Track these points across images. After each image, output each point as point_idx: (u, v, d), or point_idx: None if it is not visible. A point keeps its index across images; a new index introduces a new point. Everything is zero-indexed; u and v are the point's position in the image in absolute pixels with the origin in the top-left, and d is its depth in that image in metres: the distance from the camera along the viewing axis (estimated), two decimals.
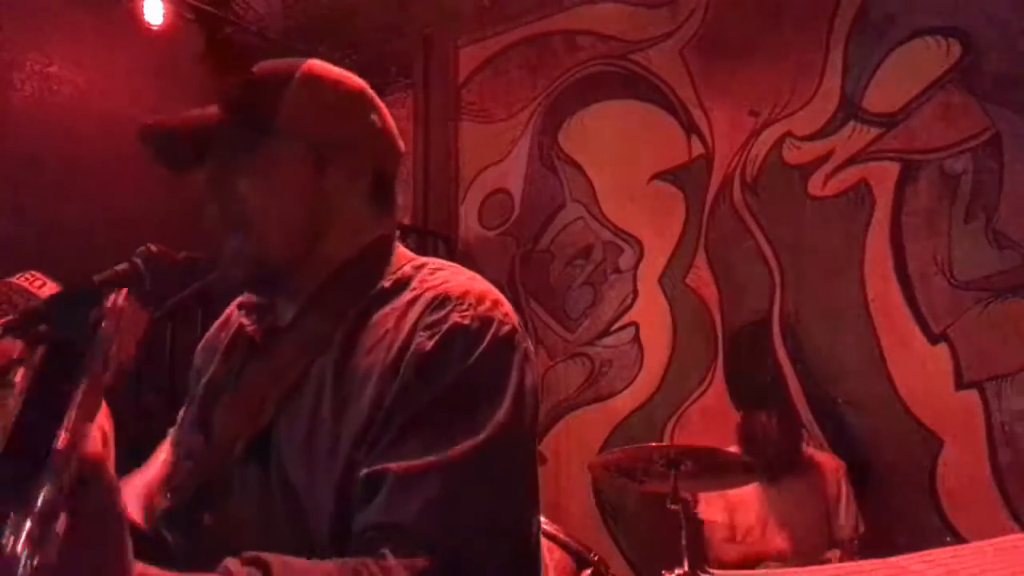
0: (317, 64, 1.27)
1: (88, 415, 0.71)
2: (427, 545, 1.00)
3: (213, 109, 1.21)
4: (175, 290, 4.07)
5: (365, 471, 1.06)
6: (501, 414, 1.08)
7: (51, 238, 4.52)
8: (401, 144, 1.32)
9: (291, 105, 1.20)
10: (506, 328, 1.13)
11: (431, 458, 1.04)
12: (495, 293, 1.18)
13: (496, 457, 1.07)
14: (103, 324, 0.75)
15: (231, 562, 0.92)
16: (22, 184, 4.75)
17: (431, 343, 1.10)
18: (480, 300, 1.14)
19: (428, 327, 1.11)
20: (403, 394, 1.08)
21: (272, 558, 0.94)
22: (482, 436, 1.06)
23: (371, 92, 1.29)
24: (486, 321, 1.12)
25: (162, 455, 1.42)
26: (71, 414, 0.68)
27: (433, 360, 1.09)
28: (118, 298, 0.77)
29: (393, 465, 1.04)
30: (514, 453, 1.11)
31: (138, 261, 1.19)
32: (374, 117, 1.27)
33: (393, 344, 1.12)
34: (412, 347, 1.10)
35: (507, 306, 1.17)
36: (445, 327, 1.11)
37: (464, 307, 1.12)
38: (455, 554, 1.01)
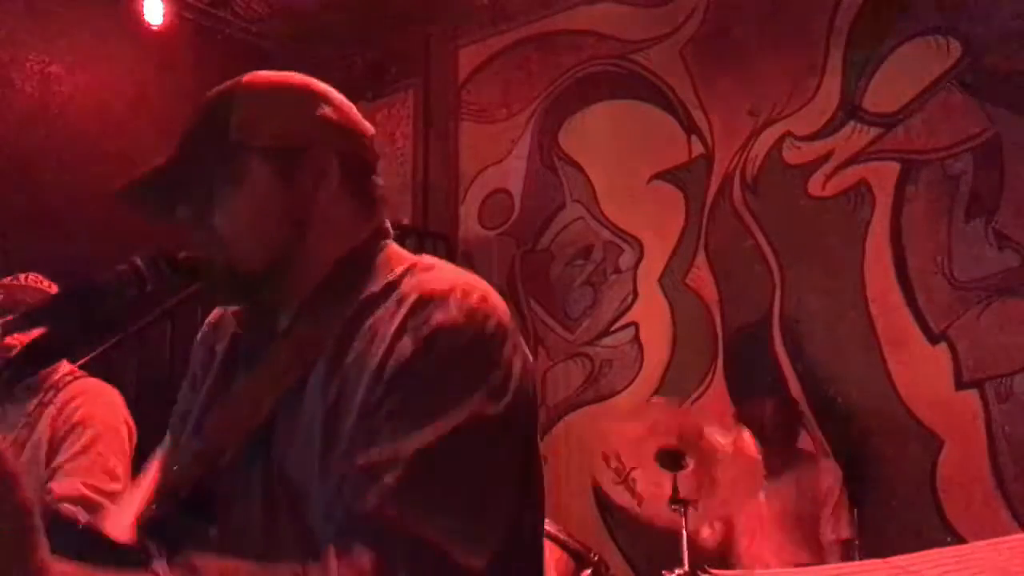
0: (256, 74, 1.25)
1: None
2: (382, 536, 0.98)
3: (171, 152, 1.21)
4: (175, 290, 4.07)
5: (336, 473, 1.06)
6: (474, 404, 1.06)
7: (51, 238, 4.52)
8: (368, 129, 1.28)
9: (237, 121, 1.19)
10: (492, 321, 1.12)
11: (392, 448, 1.03)
12: (483, 288, 1.16)
13: (468, 447, 1.05)
14: None
15: (160, 566, 0.90)
16: (22, 183, 4.76)
17: (413, 343, 1.09)
18: (466, 295, 1.12)
19: (413, 329, 1.10)
20: (385, 396, 1.08)
21: (199, 560, 0.93)
22: (450, 424, 1.04)
23: (320, 85, 1.27)
24: (471, 316, 1.11)
25: (152, 469, 1.41)
26: None
27: (414, 359, 1.08)
28: None
29: (359, 460, 1.04)
30: (493, 444, 1.08)
31: (138, 261, 1.19)
32: (325, 109, 1.24)
33: (380, 348, 1.11)
34: (396, 350, 1.09)
35: (495, 299, 1.15)
36: (427, 325, 1.10)
37: (447, 304, 1.11)
38: (414, 544, 0.99)
